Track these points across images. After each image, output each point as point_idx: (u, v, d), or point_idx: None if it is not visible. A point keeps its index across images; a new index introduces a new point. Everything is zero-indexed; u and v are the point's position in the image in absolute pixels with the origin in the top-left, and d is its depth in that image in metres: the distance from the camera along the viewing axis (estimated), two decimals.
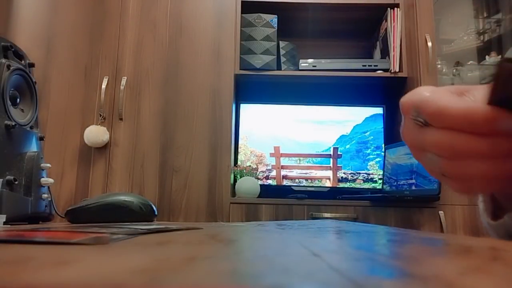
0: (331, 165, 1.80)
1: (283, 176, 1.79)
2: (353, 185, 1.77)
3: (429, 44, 1.61)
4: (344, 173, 1.78)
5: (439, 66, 1.81)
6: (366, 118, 1.83)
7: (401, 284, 0.10)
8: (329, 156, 1.80)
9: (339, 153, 1.80)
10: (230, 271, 0.11)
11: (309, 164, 1.81)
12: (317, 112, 1.84)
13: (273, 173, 1.80)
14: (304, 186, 1.77)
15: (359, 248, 0.18)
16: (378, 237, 0.27)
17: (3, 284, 0.09)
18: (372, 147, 1.80)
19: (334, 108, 1.84)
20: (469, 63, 1.85)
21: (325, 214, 1.53)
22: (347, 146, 1.81)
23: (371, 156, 1.79)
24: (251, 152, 1.81)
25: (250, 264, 0.13)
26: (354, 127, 1.83)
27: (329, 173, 1.79)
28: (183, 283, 0.09)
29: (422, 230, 1.48)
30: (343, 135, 1.82)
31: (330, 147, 1.81)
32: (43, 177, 0.63)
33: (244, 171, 1.72)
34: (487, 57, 1.83)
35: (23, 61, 0.67)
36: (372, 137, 1.81)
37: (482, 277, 0.11)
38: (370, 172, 1.77)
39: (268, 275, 0.11)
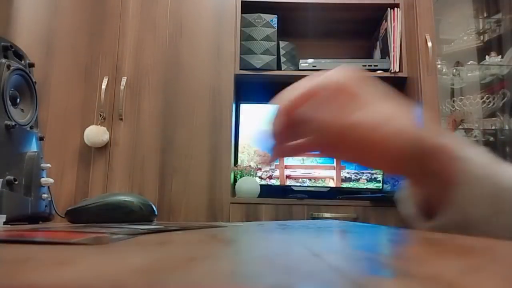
0: (334, 164, 1.80)
1: (286, 175, 1.79)
2: (356, 184, 1.77)
3: (429, 44, 1.61)
4: (347, 172, 1.78)
5: (439, 66, 1.81)
6: None
7: (401, 284, 0.10)
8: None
9: None
10: (230, 271, 0.11)
11: (312, 164, 1.81)
12: None
13: (277, 172, 1.80)
14: (304, 186, 1.77)
15: (359, 248, 0.18)
16: (378, 237, 0.27)
17: (3, 284, 0.09)
18: None
19: None
20: (469, 63, 1.85)
21: (325, 214, 1.53)
22: None
23: None
24: (254, 152, 1.81)
25: (250, 264, 0.13)
26: None
27: (333, 173, 1.79)
28: (183, 283, 0.09)
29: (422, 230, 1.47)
30: None
31: None
32: (43, 177, 0.63)
33: (244, 171, 1.72)
34: (487, 57, 1.83)
35: (23, 61, 0.67)
36: None
37: (482, 277, 0.11)
38: (374, 171, 1.77)
39: (268, 275, 0.11)
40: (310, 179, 1.79)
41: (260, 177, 1.78)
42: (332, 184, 1.78)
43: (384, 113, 0.36)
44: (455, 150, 0.34)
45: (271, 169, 1.80)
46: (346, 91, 0.36)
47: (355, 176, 1.78)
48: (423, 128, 0.36)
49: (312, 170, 1.80)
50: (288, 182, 1.79)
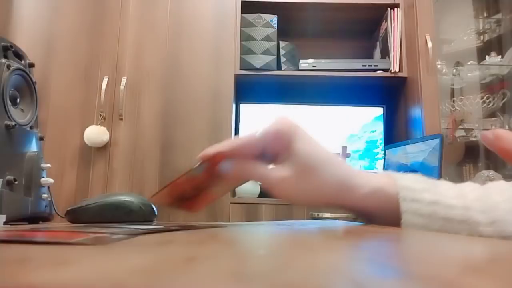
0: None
1: None
2: None
3: (429, 44, 1.61)
4: None
5: (439, 66, 1.81)
6: (375, 117, 1.82)
7: (401, 284, 0.10)
8: (337, 155, 1.80)
9: (348, 152, 1.80)
10: (230, 271, 0.11)
11: None
12: (325, 111, 1.84)
13: None
14: None
15: (359, 248, 0.18)
16: (378, 237, 0.27)
17: (3, 284, 0.09)
18: (381, 146, 1.80)
19: (342, 108, 1.84)
20: (469, 63, 1.85)
21: (325, 214, 1.53)
22: (356, 145, 1.81)
23: (380, 155, 1.79)
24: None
25: (250, 264, 0.13)
26: (363, 126, 1.82)
27: None
28: (183, 283, 0.09)
29: None
30: (352, 134, 1.82)
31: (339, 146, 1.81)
32: (43, 177, 0.63)
33: None
34: (487, 57, 1.83)
35: (23, 61, 0.67)
36: (381, 136, 1.81)
37: (482, 277, 0.11)
38: (379, 171, 1.77)
39: (268, 275, 0.11)
40: None
41: None
42: None
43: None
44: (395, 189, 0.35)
45: None
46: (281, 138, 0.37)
47: None
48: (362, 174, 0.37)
49: None
50: None
